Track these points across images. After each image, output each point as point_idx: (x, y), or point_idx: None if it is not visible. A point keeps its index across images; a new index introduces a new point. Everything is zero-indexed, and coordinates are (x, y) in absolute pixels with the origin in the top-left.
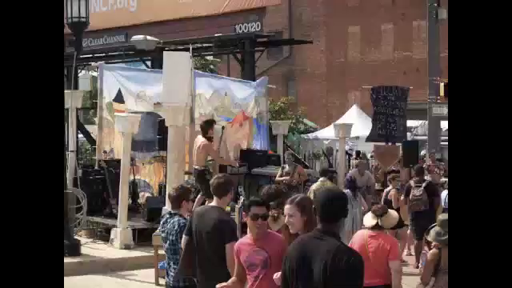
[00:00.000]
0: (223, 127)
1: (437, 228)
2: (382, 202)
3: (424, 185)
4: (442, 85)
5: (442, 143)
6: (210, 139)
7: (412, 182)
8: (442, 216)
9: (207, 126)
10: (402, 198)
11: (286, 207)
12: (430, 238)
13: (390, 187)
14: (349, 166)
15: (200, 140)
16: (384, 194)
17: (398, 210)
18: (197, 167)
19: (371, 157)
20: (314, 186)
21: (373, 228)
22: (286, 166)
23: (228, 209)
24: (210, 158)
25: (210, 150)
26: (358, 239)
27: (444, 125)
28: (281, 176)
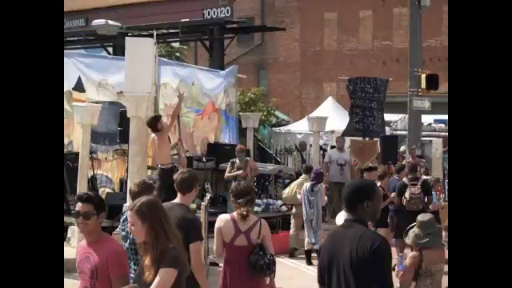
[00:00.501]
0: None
1: (416, 230)
2: None
3: (420, 182)
4: (423, 76)
5: (422, 139)
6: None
7: (406, 180)
8: (422, 217)
9: (153, 121)
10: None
11: (128, 214)
12: (408, 241)
13: (379, 184)
14: (323, 160)
15: (153, 138)
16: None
17: (384, 209)
18: (163, 166)
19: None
20: (295, 183)
21: None
22: (237, 161)
23: (193, 206)
24: (174, 152)
25: (164, 131)
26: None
27: (425, 119)
28: (230, 172)
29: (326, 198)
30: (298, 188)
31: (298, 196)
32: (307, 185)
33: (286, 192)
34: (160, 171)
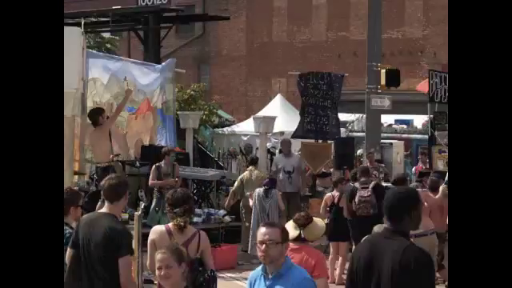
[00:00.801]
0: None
1: None
2: (330, 210)
3: (372, 185)
4: (383, 72)
5: (382, 141)
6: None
7: (357, 184)
8: (378, 227)
9: (95, 113)
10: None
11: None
12: None
13: (335, 192)
14: (270, 165)
15: (90, 134)
16: (329, 199)
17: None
18: (99, 165)
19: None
20: (243, 175)
21: (295, 240)
22: (162, 164)
23: (125, 217)
24: (115, 151)
25: (104, 125)
26: None
27: (385, 119)
28: (155, 178)
29: (282, 204)
30: (248, 182)
31: (250, 202)
32: (260, 190)
33: (236, 185)
34: (97, 171)
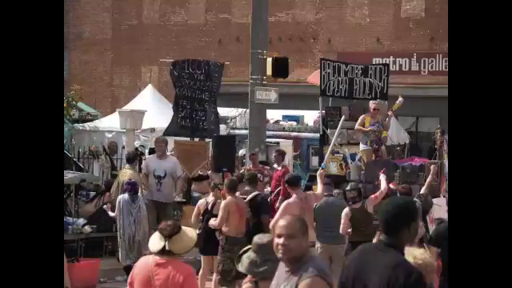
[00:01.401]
0: None
1: (251, 255)
2: (203, 219)
3: (251, 196)
4: (269, 60)
5: (267, 140)
6: None
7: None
8: (259, 238)
9: None
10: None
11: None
12: (242, 269)
13: (210, 198)
14: (139, 167)
15: None
16: (202, 206)
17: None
18: None
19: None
20: (120, 176)
21: (160, 253)
22: None
23: None
24: None
25: None
26: (141, 269)
27: (272, 115)
28: None
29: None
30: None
31: (112, 213)
32: (124, 196)
33: (113, 190)
34: None
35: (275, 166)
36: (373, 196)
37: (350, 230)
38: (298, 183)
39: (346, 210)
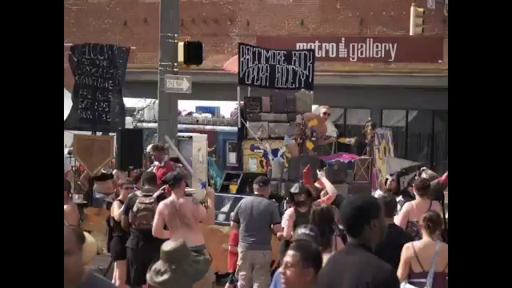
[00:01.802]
0: None
1: (158, 263)
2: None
3: (157, 193)
4: (181, 45)
5: (179, 134)
6: None
7: (138, 193)
8: (167, 246)
9: None
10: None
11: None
12: (148, 279)
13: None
14: None
15: None
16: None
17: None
18: None
19: (69, 153)
20: None
21: None
22: None
23: None
24: None
25: None
26: None
27: (184, 106)
28: None
29: None
30: None
31: None
32: None
33: None
34: None
35: (156, 163)
36: (320, 201)
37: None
38: (177, 183)
39: (290, 211)
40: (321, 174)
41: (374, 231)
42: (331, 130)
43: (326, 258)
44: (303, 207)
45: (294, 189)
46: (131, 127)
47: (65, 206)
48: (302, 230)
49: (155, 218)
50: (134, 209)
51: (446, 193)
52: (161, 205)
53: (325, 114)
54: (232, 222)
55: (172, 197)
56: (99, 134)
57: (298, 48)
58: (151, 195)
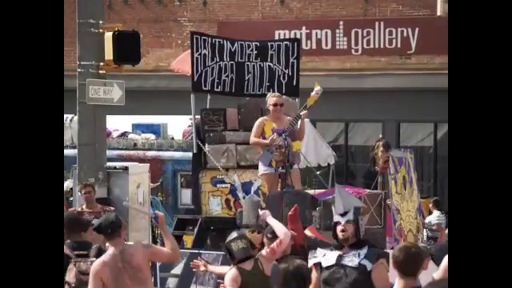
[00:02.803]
0: None
1: None
2: None
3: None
4: (108, 36)
5: (109, 164)
6: None
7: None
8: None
9: None
10: None
11: None
12: None
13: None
14: None
15: None
16: None
17: None
18: None
19: None
20: None
21: None
22: None
23: None
24: None
25: None
26: None
27: (116, 124)
28: None
29: None
30: None
31: None
32: None
33: None
34: None
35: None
36: (268, 249)
37: None
38: (116, 231)
39: (233, 272)
40: (263, 213)
41: None
42: (328, 154)
43: None
44: (247, 263)
45: (230, 238)
46: None
47: None
48: None
49: (90, 284)
50: (72, 280)
51: None
52: (96, 264)
53: (275, 105)
54: None
55: (111, 250)
56: None
57: (276, 38)
58: (87, 255)
